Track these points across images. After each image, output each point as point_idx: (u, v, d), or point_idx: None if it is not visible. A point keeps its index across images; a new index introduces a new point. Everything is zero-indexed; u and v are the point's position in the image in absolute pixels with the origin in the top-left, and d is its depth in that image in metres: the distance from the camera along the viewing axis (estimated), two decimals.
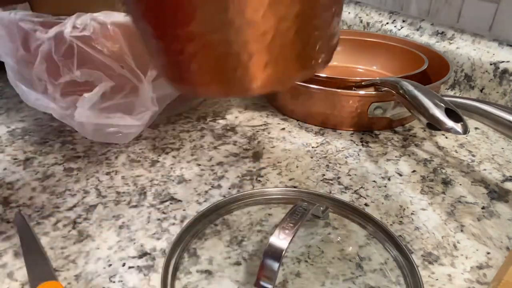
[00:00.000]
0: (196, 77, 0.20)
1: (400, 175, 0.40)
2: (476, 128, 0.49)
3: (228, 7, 0.17)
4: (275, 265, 0.24)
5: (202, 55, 0.19)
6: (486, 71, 0.55)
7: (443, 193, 0.37)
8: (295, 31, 0.19)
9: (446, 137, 0.47)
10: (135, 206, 0.35)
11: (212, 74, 0.20)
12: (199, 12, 0.18)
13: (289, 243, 0.24)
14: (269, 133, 0.47)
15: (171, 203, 0.35)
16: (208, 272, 0.29)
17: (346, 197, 0.36)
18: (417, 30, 0.66)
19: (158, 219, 0.34)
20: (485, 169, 0.41)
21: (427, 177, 0.40)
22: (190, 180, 0.39)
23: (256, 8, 0.18)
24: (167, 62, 0.21)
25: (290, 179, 0.39)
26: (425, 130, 0.48)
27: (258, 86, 0.20)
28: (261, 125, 0.49)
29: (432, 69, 0.53)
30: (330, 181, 0.39)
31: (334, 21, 0.22)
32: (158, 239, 0.31)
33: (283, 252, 0.24)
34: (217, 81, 0.20)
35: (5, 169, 0.40)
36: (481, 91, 0.56)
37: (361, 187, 0.38)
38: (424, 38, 0.64)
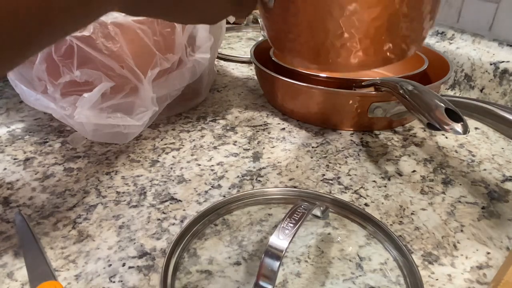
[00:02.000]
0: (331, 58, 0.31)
1: (400, 175, 0.40)
2: (476, 128, 0.49)
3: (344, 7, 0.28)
4: (275, 265, 0.24)
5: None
6: (486, 71, 0.55)
7: (443, 193, 0.37)
8: (387, 28, 0.28)
9: (446, 137, 0.47)
10: (135, 206, 0.35)
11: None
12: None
13: (289, 243, 0.24)
14: (269, 133, 0.47)
15: (171, 203, 0.35)
16: (208, 272, 0.29)
17: (346, 197, 0.36)
18: None
19: (158, 219, 0.34)
20: (485, 169, 0.41)
21: (427, 177, 0.40)
22: (190, 180, 0.39)
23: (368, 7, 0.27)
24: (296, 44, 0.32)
25: (290, 179, 0.39)
26: (425, 130, 0.48)
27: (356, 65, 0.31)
28: (261, 125, 0.49)
29: (432, 69, 0.53)
30: (330, 181, 0.39)
31: (426, 18, 0.30)
32: (158, 239, 0.31)
33: (283, 252, 0.24)
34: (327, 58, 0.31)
35: (5, 169, 0.40)
36: (481, 91, 0.56)
37: (361, 187, 0.38)
38: None
